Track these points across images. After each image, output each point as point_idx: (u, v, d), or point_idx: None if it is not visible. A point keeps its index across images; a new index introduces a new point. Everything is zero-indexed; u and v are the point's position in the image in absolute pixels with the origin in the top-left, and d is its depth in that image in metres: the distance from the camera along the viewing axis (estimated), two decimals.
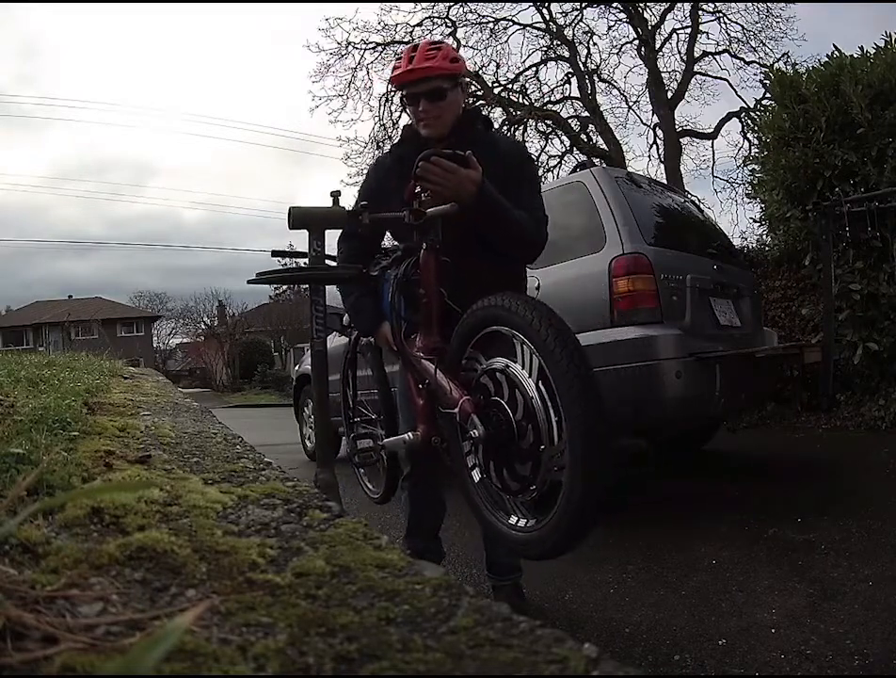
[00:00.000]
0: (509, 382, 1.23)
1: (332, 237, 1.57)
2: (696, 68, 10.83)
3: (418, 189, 1.45)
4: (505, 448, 1.25)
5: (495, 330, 1.27)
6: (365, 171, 1.83)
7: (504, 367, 1.24)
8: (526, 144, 10.83)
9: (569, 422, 1.12)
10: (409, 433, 1.52)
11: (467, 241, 1.52)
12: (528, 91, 11.03)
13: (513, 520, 1.29)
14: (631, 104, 11.24)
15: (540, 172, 10.75)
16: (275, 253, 1.75)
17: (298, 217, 1.44)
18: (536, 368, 1.18)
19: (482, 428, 1.24)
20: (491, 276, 1.51)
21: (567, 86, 11.06)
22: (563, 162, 10.90)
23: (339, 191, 1.51)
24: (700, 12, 10.53)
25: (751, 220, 7.94)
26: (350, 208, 1.50)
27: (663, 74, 10.64)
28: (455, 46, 10.68)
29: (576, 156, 10.36)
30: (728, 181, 10.95)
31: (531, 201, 1.68)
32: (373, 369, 1.96)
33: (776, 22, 10.12)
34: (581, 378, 1.12)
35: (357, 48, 10.66)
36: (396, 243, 1.78)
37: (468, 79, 1.74)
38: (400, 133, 1.84)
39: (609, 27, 10.86)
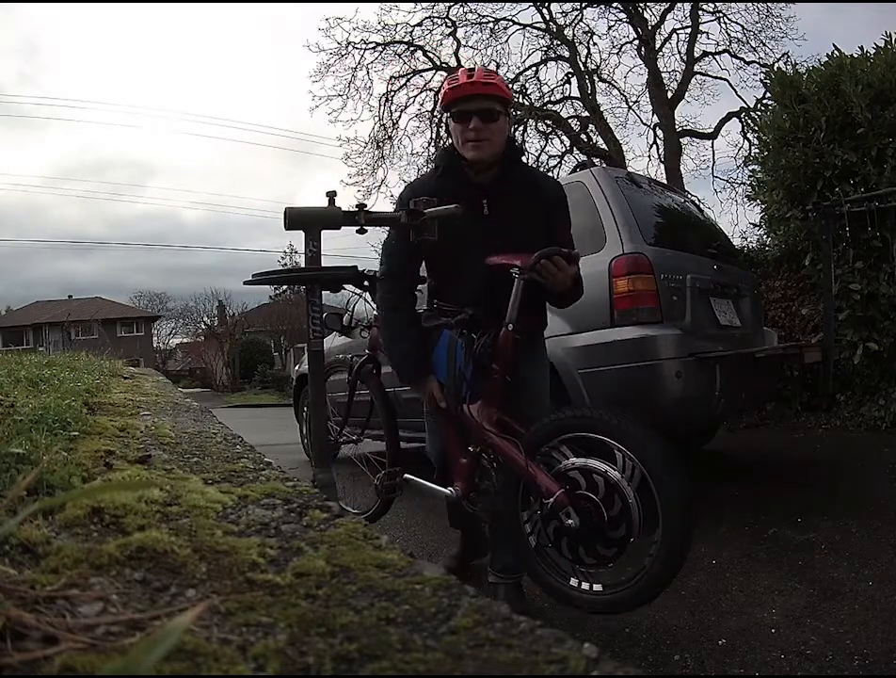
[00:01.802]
0: (608, 485, 1.44)
1: (329, 238, 1.57)
2: (696, 68, 10.81)
3: (515, 269, 1.59)
4: (592, 537, 1.46)
5: (599, 439, 1.47)
6: (399, 190, 1.86)
7: (604, 472, 1.45)
8: (526, 144, 10.84)
9: (666, 530, 1.39)
10: (451, 488, 1.71)
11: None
12: (528, 91, 11.02)
13: (573, 582, 1.53)
14: (631, 104, 11.24)
15: None
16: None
17: (295, 218, 1.44)
18: (637, 478, 1.42)
19: (577, 519, 1.44)
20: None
21: (567, 86, 11.06)
22: (563, 162, 10.89)
23: (335, 191, 1.51)
24: (700, 12, 10.52)
25: (751, 225, 7.95)
26: (347, 209, 1.50)
27: (663, 74, 10.63)
28: (455, 46, 10.76)
29: (576, 156, 10.36)
30: (728, 181, 10.94)
31: (567, 241, 1.74)
32: (376, 397, 2.04)
33: (776, 22, 10.12)
34: (685, 498, 1.40)
35: (357, 48, 10.66)
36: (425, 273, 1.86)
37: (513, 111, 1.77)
38: (437, 161, 1.81)
39: (609, 27, 10.86)
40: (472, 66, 1.73)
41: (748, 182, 6.06)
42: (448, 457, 1.80)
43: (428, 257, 1.81)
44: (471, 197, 1.65)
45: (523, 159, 1.87)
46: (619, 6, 10.51)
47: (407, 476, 1.93)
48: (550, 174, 2.09)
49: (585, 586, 1.51)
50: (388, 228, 1.78)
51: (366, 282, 2.14)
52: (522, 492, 1.59)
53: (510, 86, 10.70)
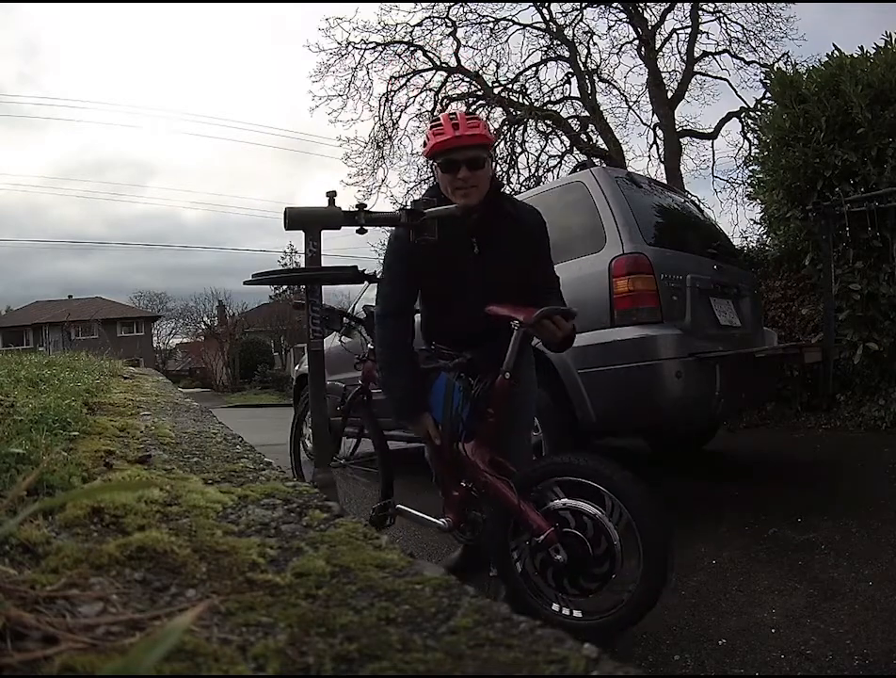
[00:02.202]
0: (596, 527, 1.55)
1: (329, 238, 1.58)
2: (696, 68, 10.80)
3: (516, 322, 1.66)
4: (577, 571, 1.56)
5: (594, 487, 1.56)
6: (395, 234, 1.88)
7: (594, 515, 1.55)
8: (526, 144, 10.85)
9: (646, 571, 1.50)
10: (443, 520, 1.82)
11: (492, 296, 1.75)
12: (528, 91, 11.01)
13: (555, 607, 1.63)
14: (631, 104, 11.22)
15: (540, 172, 10.76)
16: None
17: (295, 218, 1.44)
18: (623, 522, 1.53)
19: (565, 555, 1.54)
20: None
21: (567, 86, 11.05)
22: (563, 162, 10.88)
23: (335, 191, 1.51)
24: (700, 12, 10.50)
25: (752, 222, 7.95)
26: (347, 209, 1.50)
27: (663, 74, 10.61)
28: (455, 46, 10.77)
29: (576, 156, 10.35)
30: (728, 181, 10.93)
31: (550, 266, 1.88)
32: (369, 429, 2.10)
33: (776, 22, 10.10)
34: (665, 542, 1.52)
35: (357, 48, 10.65)
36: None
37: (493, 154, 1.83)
38: (427, 196, 1.80)
39: (609, 27, 10.84)
40: (453, 112, 1.77)
41: (748, 182, 6.06)
42: (442, 488, 1.89)
43: (424, 295, 1.88)
44: (461, 237, 1.75)
45: (504, 191, 1.92)
46: (619, 6, 10.50)
47: (399, 506, 2.01)
48: (525, 202, 2.06)
49: (566, 611, 1.62)
50: (382, 270, 1.84)
51: (363, 315, 2.19)
52: (512, 523, 1.68)
53: (510, 86, 10.77)
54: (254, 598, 0.50)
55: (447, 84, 11.03)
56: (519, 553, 1.67)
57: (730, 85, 10.68)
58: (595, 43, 11.07)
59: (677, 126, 10.65)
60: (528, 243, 1.80)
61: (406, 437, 3.33)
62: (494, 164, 1.92)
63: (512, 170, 10.69)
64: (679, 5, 10.48)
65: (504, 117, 10.64)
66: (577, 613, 1.61)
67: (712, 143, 11.13)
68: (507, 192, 1.94)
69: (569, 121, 10.94)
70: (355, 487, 2.31)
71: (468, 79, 10.98)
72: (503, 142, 10.47)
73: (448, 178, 1.74)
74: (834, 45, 4.48)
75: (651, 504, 1.52)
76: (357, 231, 1.56)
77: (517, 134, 10.75)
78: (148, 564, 0.56)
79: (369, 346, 2.13)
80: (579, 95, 10.92)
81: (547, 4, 10.61)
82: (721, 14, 10.44)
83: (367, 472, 2.21)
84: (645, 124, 11.21)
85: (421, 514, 1.95)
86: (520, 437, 1.92)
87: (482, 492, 1.75)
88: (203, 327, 28.87)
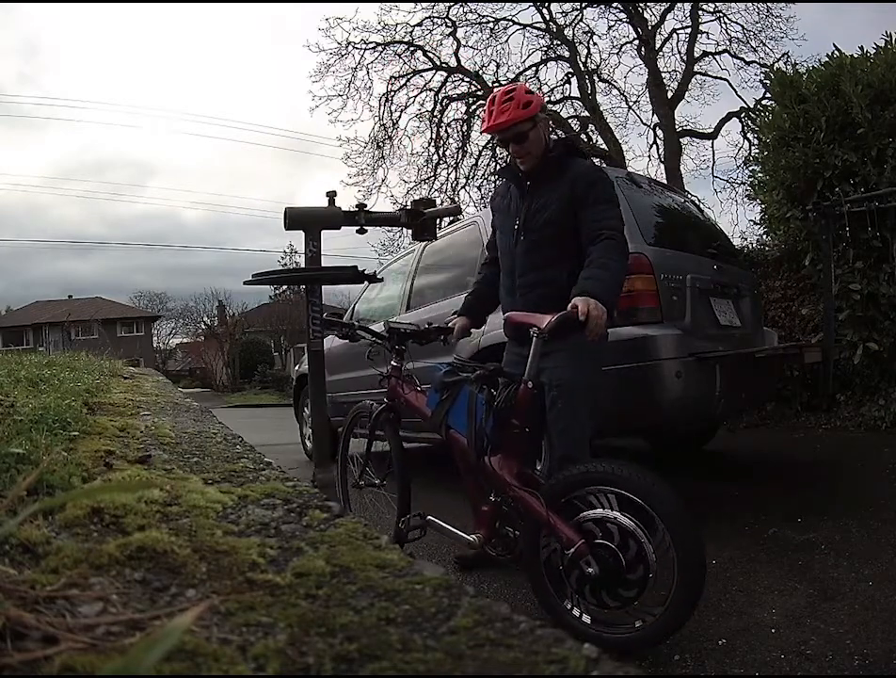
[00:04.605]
0: (638, 552, 1.49)
1: (329, 238, 1.58)
2: (696, 68, 10.81)
3: (535, 329, 1.70)
4: (603, 585, 1.52)
5: (635, 501, 1.50)
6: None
7: (641, 541, 1.50)
8: None
9: (668, 613, 1.47)
10: (473, 536, 1.81)
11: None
12: None
13: (567, 604, 1.61)
14: (631, 104, 11.24)
15: None
16: None
17: (295, 218, 1.45)
18: (663, 553, 1.47)
19: (596, 568, 1.51)
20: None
21: (567, 86, 11.06)
22: None
23: (335, 191, 1.51)
24: (700, 12, 10.51)
25: (752, 222, 7.95)
26: (346, 209, 1.51)
27: (663, 74, 10.63)
28: (455, 46, 10.76)
29: None
30: (728, 181, 10.94)
31: (602, 215, 1.87)
32: (392, 446, 2.09)
33: (776, 22, 10.12)
34: (702, 563, 1.47)
35: (357, 48, 10.66)
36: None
37: (544, 115, 2.00)
38: (508, 162, 2.18)
39: (609, 27, 10.87)
40: (493, 96, 2.01)
41: (748, 182, 6.06)
42: (471, 504, 1.90)
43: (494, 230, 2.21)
44: (520, 180, 2.02)
45: (571, 152, 2.02)
46: (619, 6, 10.51)
47: (430, 518, 1.98)
48: (593, 163, 2.17)
49: (576, 612, 1.60)
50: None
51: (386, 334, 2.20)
52: None
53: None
54: (254, 598, 0.50)
55: (447, 84, 11.05)
56: (547, 542, 1.65)
57: (730, 85, 10.70)
58: (595, 43, 11.11)
59: (677, 126, 10.66)
60: (569, 193, 1.89)
61: (406, 437, 3.33)
62: (547, 125, 2.05)
63: None
64: (679, 5, 10.50)
65: None
66: (586, 618, 1.59)
67: (712, 143, 11.15)
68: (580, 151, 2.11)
69: (569, 120, 10.94)
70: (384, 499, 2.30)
71: (468, 79, 10.99)
72: None
73: (506, 151, 2.01)
74: (834, 45, 4.49)
75: (700, 548, 1.47)
76: (357, 231, 1.57)
77: None
78: (148, 564, 0.56)
79: (392, 363, 2.12)
80: (579, 95, 10.93)
81: (547, 4, 10.63)
82: (721, 14, 10.46)
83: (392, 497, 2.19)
84: (645, 124, 11.23)
85: (451, 528, 1.92)
86: (553, 435, 1.88)
87: (512, 506, 1.74)
88: (203, 327, 28.88)
